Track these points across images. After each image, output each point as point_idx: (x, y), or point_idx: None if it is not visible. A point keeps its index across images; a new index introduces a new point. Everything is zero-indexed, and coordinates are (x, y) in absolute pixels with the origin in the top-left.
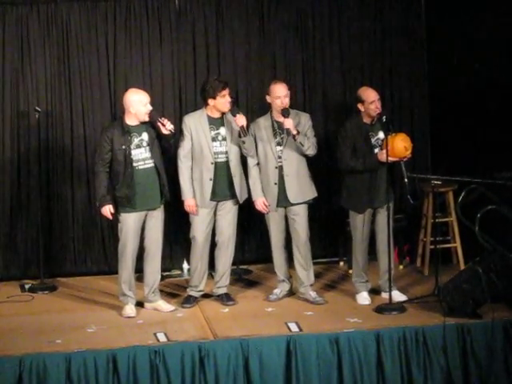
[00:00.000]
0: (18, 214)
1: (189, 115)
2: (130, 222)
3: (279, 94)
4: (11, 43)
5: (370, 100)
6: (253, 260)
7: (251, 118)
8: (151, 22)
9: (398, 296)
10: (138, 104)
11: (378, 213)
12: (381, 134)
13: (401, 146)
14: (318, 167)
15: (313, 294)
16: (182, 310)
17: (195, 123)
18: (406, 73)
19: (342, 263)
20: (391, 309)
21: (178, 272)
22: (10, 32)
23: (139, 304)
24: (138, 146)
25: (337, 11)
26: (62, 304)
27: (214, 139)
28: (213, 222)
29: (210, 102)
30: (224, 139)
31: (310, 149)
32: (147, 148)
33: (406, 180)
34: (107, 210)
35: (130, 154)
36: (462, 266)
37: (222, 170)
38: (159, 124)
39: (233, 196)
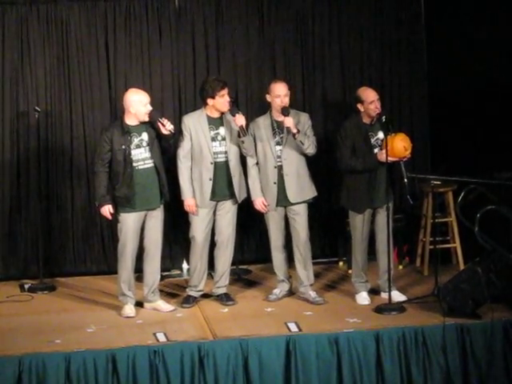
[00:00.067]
0: (17, 214)
1: (188, 115)
2: (129, 222)
3: (279, 93)
4: (11, 43)
5: (370, 100)
6: (252, 260)
7: (251, 118)
8: (151, 22)
9: (397, 296)
10: (137, 104)
11: (378, 213)
12: (380, 134)
13: (400, 146)
14: (317, 167)
15: (312, 294)
16: (182, 310)
17: (194, 123)
18: (406, 73)
19: (341, 263)
20: (391, 309)
21: (178, 272)
22: (9, 32)
23: (139, 304)
24: (138, 146)
25: (337, 11)
26: (62, 304)
27: (213, 139)
28: (212, 221)
29: (209, 101)
30: (223, 139)
31: (310, 148)
32: (147, 148)
33: (405, 180)
34: (106, 210)
35: (129, 153)
36: (462, 266)
37: (221, 170)
38: (159, 124)
39: (232, 196)
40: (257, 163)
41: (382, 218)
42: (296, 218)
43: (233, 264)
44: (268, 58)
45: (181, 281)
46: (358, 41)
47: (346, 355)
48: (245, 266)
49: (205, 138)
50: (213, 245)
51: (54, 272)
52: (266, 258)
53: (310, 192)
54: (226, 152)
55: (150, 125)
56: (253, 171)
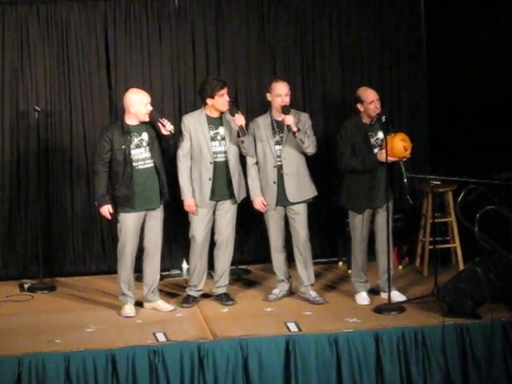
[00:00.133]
0: (17, 214)
1: (188, 115)
2: (129, 221)
3: (280, 92)
4: (10, 43)
5: (370, 100)
6: (252, 260)
7: (250, 118)
8: (151, 22)
9: (397, 296)
10: (138, 104)
11: (378, 213)
12: (380, 134)
13: (400, 145)
14: (317, 167)
15: (313, 294)
16: (181, 310)
17: (194, 123)
18: (406, 73)
19: (341, 263)
20: (390, 309)
21: (178, 272)
22: (9, 32)
23: (138, 304)
24: (138, 146)
25: (337, 11)
26: (61, 304)
27: (212, 139)
28: (212, 221)
29: (209, 101)
30: (223, 139)
31: (310, 147)
32: (147, 148)
33: (405, 180)
34: (106, 209)
35: (129, 153)
36: (461, 267)
37: (220, 170)
38: (159, 125)
39: (232, 195)
40: (256, 163)
41: (381, 217)
42: (295, 218)
43: (232, 264)
44: (268, 58)
45: (180, 281)
46: (358, 41)
47: (345, 355)
48: (244, 266)
49: (204, 138)
50: (212, 245)
51: (54, 272)
52: (265, 257)
53: (310, 192)
54: (225, 152)
55: (151, 125)
56: (252, 171)
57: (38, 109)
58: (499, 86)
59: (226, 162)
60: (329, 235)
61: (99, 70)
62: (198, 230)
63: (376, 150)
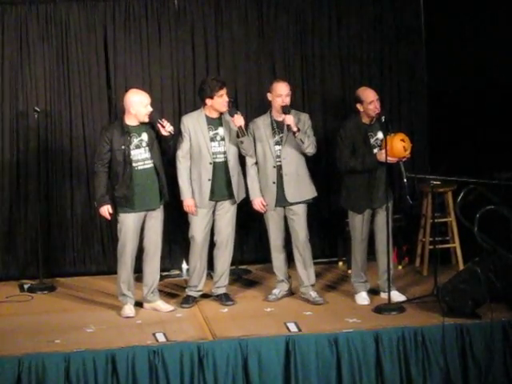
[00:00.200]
0: (17, 214)
1: (187, 115)
2: (129, 222)
3: (281, 93)
4: (10, 43)
5: (369, 100)
6: (252, 260)
7: (250, 118)
8: (150, 22)
9: (397, 296)
10: (138, 105)
11: (377, 213)
12: (380, 134)
13: (400, 146)
14: (317, 167)
15: (313, 294)
16: (181, 310)
17: (193, 123)
18: (406, 73)
19: (341, 263)
20: (390, 309)
21: (177, 272)
22: (8, 32)
23: (138, 304)
24: (138, 147)
25: (336, 11)
26: (61, 304)
27: (212, 139)
28: (211, 221)
29: (208, 101)
30: (222, 139)
31: (310, 147)
32: (147, 148)
33: (405, 180)
34: (105, 209)
35: (129, 154)
36: (461, 267)
37: (220, 170)
38: (159, 125)
39: (231, 196)
40: (256, 163)
41: (381, 218)
42: (294, 219)
43: (232, 264)
44: (268, 58)
45: (180, 281)
46: (357, 41)
47: (345, 355)
48: (244, 266)
49: (204, 139)
50: (212, 245)
51: (54, 272)
52: (265, 258)
53: (310, 192)
54: (224, 152)
55: (150, 125)
56: (252, 171)
57: (38, 109)
58: (499, 86)
59: (225, 163)
60: (329, 235)
61: (99, 70)
62: (198, 230)
63: (376, 150)
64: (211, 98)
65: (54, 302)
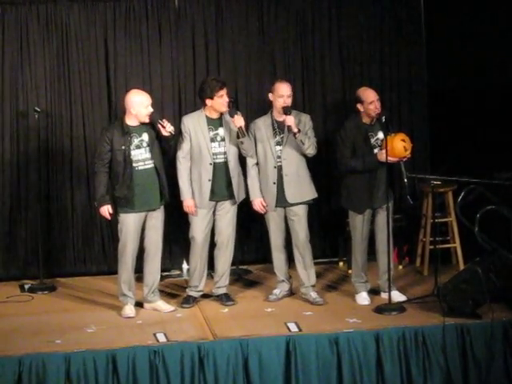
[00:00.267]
0: (17, 214)
1: (187, 116)
2: (129, 222)
3: (283, 93)
4: (10, 43)
5: (370, 100)
6: (252, 260)
7: (250, 118)
8: (150, 23)
9: (397, 296)
10: (139, 105)
11: (378, 213)
12: (380, 134)
13: (400, 146)
14: (317, 167)
15: (313, 295)
16: (182, 311)
17: (194, 124)
18: (406, 73)
19: (341, 263)
20: (391, 309)
21: (178, 272)
22: (9, 32)
23: (139, 304)
24: (138, 147)
25: (336, 11)
26: (62, 304)
27: (212, 140)
28: (212, 222)
29: (208, 102)
30: (222, 140)
31: (310, 148)
32: (147, 149)
33: (405, 180)
34: (105, 210)
35: (129, 154)
36: (462, 267)
37: (220, 171)
38: (159, 126)
39: (231, 196)
40: (256, 163)
41: (381, 218)
42: (295, 219)
43: (233, 264)
44: (268, 59)
45: (181, 281)
46: (357, 41)
47: (346, 355)
48: (245, 267)
49: (204, 139)
50: (213, 245)
51: (54, 272)
52: (266, 258)
53: (310, 193)
54: (225, 153)
55: (151, 125)
56: (252, 171)
57: (38, 109)
58: (499, 86)
59: (225, 163)
60: (329, 235)
61: (99, 71)
62: (198, 230)
63: (376, 150)
64: (211, 98)
65: (54, 302)
